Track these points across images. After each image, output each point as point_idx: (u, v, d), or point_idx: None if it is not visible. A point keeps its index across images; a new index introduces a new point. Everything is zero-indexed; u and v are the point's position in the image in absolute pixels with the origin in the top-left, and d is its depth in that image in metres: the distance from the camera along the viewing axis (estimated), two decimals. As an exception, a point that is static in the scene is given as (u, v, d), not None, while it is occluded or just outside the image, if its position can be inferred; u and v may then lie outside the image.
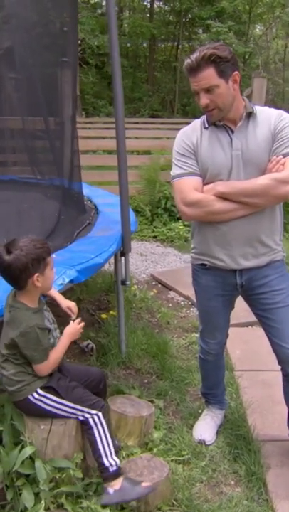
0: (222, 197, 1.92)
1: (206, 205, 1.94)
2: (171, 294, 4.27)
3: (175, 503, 1.97)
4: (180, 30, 15.78)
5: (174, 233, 5.92)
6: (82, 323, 1.97)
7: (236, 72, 1.83)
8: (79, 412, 1.87)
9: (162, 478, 1.93)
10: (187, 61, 1.81)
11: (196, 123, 2.03)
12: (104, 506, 1.83)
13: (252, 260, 2.00)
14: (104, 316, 3.57)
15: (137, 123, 11.06)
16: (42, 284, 1.81)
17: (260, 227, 1.97)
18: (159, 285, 4.48)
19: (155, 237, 5.99)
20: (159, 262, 5.12)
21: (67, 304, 2.03)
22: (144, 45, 16.73)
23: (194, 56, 1.78)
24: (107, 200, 3.73)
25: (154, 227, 6.12)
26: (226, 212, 1.93)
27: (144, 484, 1.85)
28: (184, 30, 16.10)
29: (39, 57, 4.50)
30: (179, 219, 6.27)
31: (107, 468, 1.86)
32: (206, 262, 2.09)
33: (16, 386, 1.83)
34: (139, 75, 17.12)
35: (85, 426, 1.90)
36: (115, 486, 1.85)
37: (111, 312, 3.63)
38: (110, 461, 1.86)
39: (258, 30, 14.42)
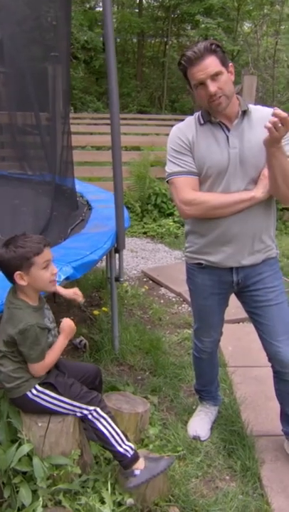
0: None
1: (205, 201, 1.94)
2: (163, 290, 4.28)
3: (172, 498, 1.98)
4: (169, 25, 15.73)
5: (164, 229, 5.93)
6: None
7: (231, 64, 1.87)
8: (77, 409, 1.87)
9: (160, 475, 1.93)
10: (189, 53, 1.80)
11: (190, 120, 2.02)
12: (103, 502, 1.84)
13: (249, 258, 2.02)
14: (96, 312, 3.57)
15: (125, 119, 11.02)
16: (29, 283, 1.78)
17: (258, 223, 1.98)
18: (150, 281, 4.49)
19: (145, 233, 5.99)
20: (149, 259, 5.13)
21: (72, 291, 2.04)
22: (134, 40, 16.63)
23: (196, 47, 1.80)
24: (99, 197, 3.72)
25: (144, 223, 6.13)
26: (226, 207, 1.93)
27: (165, 457, 1.92)
28: (172, 26, 16.05)
29: (30, 52, 4.45)
30: (169, 215, 6.28)
31: (124, 455, 1.87)
32: (202, 261, 2.09)
33: (15, 382, 1.82)
34: (128, 70, 17.03)
35: (87, 422, 1.90)
36: (139, 466, 1.88)
37: (103, 308, 3.63)
38: (125, 447, 1.87)
39: (246, 27, 14.44)
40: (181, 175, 1.98)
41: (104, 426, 1.87)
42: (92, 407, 1.88)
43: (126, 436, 1.91)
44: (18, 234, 1.82)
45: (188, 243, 2.16)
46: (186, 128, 1.99)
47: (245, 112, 1.92)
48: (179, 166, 1.98)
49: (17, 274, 1.77)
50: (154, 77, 16.88)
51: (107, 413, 1.90)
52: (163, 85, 15.97)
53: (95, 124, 10.43)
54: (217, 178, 1.95)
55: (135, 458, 1.89)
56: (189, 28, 15.96)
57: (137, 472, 1.87)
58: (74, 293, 2.06)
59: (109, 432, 1.87)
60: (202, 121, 1.96)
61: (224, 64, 1.83)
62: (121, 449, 1.87)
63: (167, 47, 16.54)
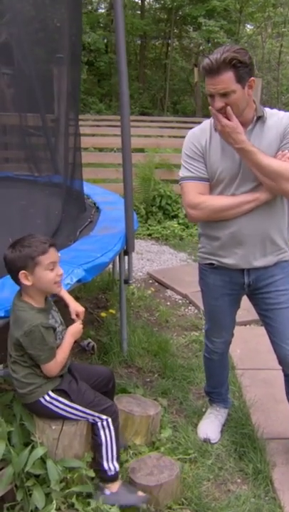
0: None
1: (208, 204, 1.97)
2: (169, 292, 4.28)
3: (185, 501, 1.98)
4: (171, 27, 15.76)
5: (168, 231, 5.93)
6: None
7: (252, 78, 1.82)
8: (90, 416, 1.87)
9: (172, 477, 1.93)
10: (206, 61, 1.77)
11: (206, 124, 2.03)
12: (111, 505, 1.83)
13: (261, 260, 2.02)
14: (103, 314, 3.56)
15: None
16: (35, 283, 1.78)
17: (270, 225, 1.98)
18: (156, 283, 4.49)
19: (150, 235, 5.99)
20: (155, 261, 5.13)
21: (76, 309, 2.00)
22: (138, 42, 16.66)
23: (214, 57, 1.74)
24: (106, 199, 3.72)
25: (149, 225, 6.13)
26: (231, 209, 1.95)
27: (139, 493, 1.88)
28: (174, 28, 16.09)
29: (37, 53, 4.46)
30: (173, 217, 6.28)
31: (105, 471, 1.88)
32: (214, 262, 2.10)
33: (27, 389, 1.81)
34: (130, 72, 16.99)
35: (93, 427, 1.90)
36: (112, 488, 1.88)
37: (110, 310, 3.62)
38: (110, 465, 1.88)
39: (248, 29, 14.48)
40: (190, 180, 2.01)
41: (105, 437, 1.87)
42: (105, 417, 1.88)
43: (118, 456, 1.91)
44: (12, 238, 1.82)
45: (201, 244, 2.18)
46: (200, 133, 2.01)
47: (260, 118, 1.92)
48: (190, 171, 2.01)
49: (22, 274, 1.76)
50: (156, 79, 16.92)
51: (115, 426, 1.90)
52: (165, 87, 16.00)
53: (98, 126, 10.45)
54: (229, 182, 1.97)
55: (113, 479, 1.89)
56: (192, 29, 15.98)
57: (107, 492, 1.87)
58: (76, 311, 2.00)
59: (106, 446, 1.87)
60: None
61: (241, 80, 1.78)
62: (106, 465, 1.88)
63: (169, 49, 16.57)
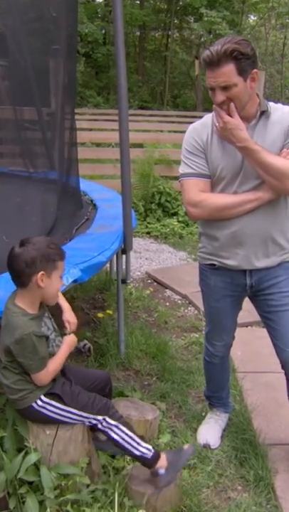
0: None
1: (209, 203, 1.96)
2: (168, 292, 4.28)
3: (184, 509, 1.97)
4: (171, 18, 15.72)
5: (168, 229, 5.92)
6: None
7: (255, 70, 1.79)
8: (85, 419, 1.86)
9: (171, 484, 1.92)
10: (206, 53, 1.76)
11: (207, 118, 2.01)
12: None
13: (263, 260, 2.01)
14: (100, 315, 3.55)
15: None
16: (45, 287, 1.76)
17: (273, 225, 1.97)
18: (155, 283, 4.48)
19: (149, 233, 5.98)
20: (153, 260, 5.12)
21: (69, 318, 1.99)
22: (138, 33, 16.61)
23: (215, 49, 1.72)
24: (104, 196, 3.71)
25: (148, 223, 6.11)
26: (232, 208, 1.94)
27: (185, 447, 1.98)
28: (175, 18, 16.05)
29: (29, 45, 4.44)
30: (173, 215, 6.27)
31: (142, 457, 1.90)
32: (215, 262, 2.09)
33: (18, 394, 1.80)
34: (128, 64, 16.96)
35: (100, 432, 1.91)
36: (163, 465, 1.91)
37: (107, 311, 3.62)
38: (141, 449, 1.89)
39: (251, 20, 14.44)
40: (191, 177, 1.99)
41: (116, 434, 1.87)
42: (100, 417, 1.87)
43: (141, 437, 1.92)
44: (32, 236, 1.81)
45: (201, 243, 2.16)
46: (201, 128, 1.99)
47: (263, 113, 1.90)
48: (190, 168, 1.99)
49: (41, 275, 1.74)
50: (156, 72, 16.88)
51: (117, 419, 1.89)
52: (165, 80, 15.97)
53: (95, 120, 10.42)
54: (231, 180, 1.95)
55: (156, 457, 1.91)
56: (192, 20, 15.94)
57: (162, 471, 1.90)
58: (67, 320, 1.99)
59: (123, 439, 1.87)
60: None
61: (242, 73, 1.76)
62: (138, 453, 1.89)
63: (170, 40, 16.54)
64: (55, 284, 1.80)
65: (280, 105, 1.98)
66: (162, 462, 1.91)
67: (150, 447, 1.91)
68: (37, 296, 1.79)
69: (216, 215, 1.97)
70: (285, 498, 2.06)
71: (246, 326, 3.56)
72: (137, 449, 1.88)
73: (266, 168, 1.85)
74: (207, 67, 1.78)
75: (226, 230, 1.99)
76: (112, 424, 1.87)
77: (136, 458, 1.91)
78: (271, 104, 1.95)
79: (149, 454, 1.89)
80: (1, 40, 4.34)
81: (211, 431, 2.42)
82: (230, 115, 1.83)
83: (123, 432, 1.87)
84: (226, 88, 1.78)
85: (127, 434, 1.87)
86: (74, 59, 3.48)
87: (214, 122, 1.95)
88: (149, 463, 1.90)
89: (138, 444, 1.88)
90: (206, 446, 2.34)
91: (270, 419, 2.55)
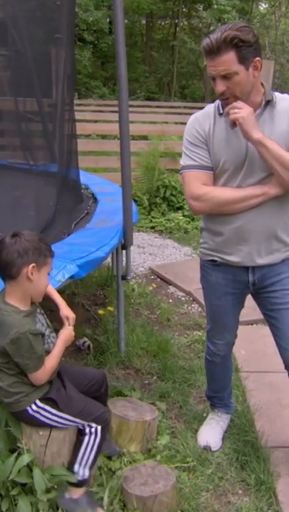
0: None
1: (213, 196, 1.92)
2: (171, 288, 4.25)
3: (181, 513, 1.95)
4: (179, 6, 15.57)
5: (173, 224, 5.89)
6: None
7: (258, 58, 1.75)
8: (79, 424, 1.85)
9: (168, 487, 1.91)
10: (206, 41, 1.71)
11: (209, 108, 1.97)
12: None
13: (266, 257, 1.97)
14: (101, 312, 3.54)
15: (132, 106, 10.97)
16: (34, 281, 1.74)
17: (278, 222, 1.94)
18: (158, 279, 4.45)
19: (153, 227, 5.95)
20: (157, 255, 5.09)
21: (67, 313, 1.97)
22: (143, 22, 16.50)
23: (214, 37, 1.69)
24: (105, 189, 3.68)
25: (152, 217, 6.08)
26: (236, 203, 1.90)
27: (99, 510, 1.87)
28: (183, 6, 15.90)
29: (31, 33, 4.40)
30: (178, 209, 6.23)
31: (76, 473, 1.86)
32: (216, 259, 2.06)
33: (13, 398, 1.78)
34: (135, 54, 16.92)
35: (81, 431, 1.89)
36: (73, 494, 1.86)
37: (108, 308, 3.60)
38: (81, 470, 1.86)
39: (262, 7, 14.28)
40: (193, 169, 1.95)
41: (88, 443, 1.86)
42: (94, 425, 1.86)
43: (93, 465, 1.89)
44: (25, 230, 1.79)
45: (203, 239, 2.13)
46: (203, 118, 1.95)
47: (269, 102, 1.85)
48: (192, 160, 1.95)
49: (32, 267, 1.71)
50: (164, 62, 16.76)
51: (103, 435, 1.88)
52: (173, 70, 15.86)
53: (101, 111, 10.38)
54: (234, 172, 1.91)
55: (79, 485, 1.87)
56: (201, 8, 15.80)
57: (66, 496, 1.86)
58: (66, 316, 1.97)
59: (85, 451, 1.86)
60: (221, 111, 1.90)
61: (244, 61, 1.72)
62: (78, 469, 1.86)
63: (178, 29, 16.40)
64: (42, 280, 1.77)
65: (286, 95, 1.93)
66: (76, 492, 1.87)
67: (87, 477, 1.87)
68: (26, 290, 1.76)
69: (219, 209, 1.94)
70: (287, 503, 2.03)
71: (251, 324, 3.53)
72: (81, 467, 1.86)
73: (284, 163, 1.80)
74: (207, 55, 1.74)
75: (229, 225, 1.96)
76: (96, 435, 1.86)
77: (71, 468, 1.87)
78: (277, 94, 1.91)
79: (80, 479, 1.86)
80: (2, 28, 4.31)
81: (211, 432, 2.39)
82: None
83: (94, 447, 1.86)
84: (226, 77, 1.74)
85: (92, 451, 1.86)
86: (74, 48, 3.44)
87: (217, 111, 1.91)
88: (71, 482, 1.86)
89: (86, 465, 1.86)
90: (207, 448, 2.32)
91: (274, 420, 2.52)
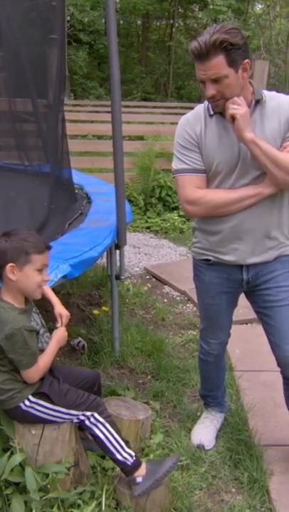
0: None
1: (207, 200, 1.92)
2: (166, 288, 4.26)
3: (174, 511, 1.96)
4: (175, 7, 15.60)
5: (168, 224, 5.89)
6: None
7: (247, 60, 1.75)
8: (74, 417, 1.85)
9: (161, 486, 1.91)
10: (194, 44, 1.71)
11: (199, 109, 1.96)
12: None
13: (261, 255, 1.98)
14: (96, 311, 3.54)
15: (128, 106, 10.99)
16: (18, 280, 1.74)
17: (271, 220, 1.94)
18: (154, 279, 4.46)
19: (148, 228, 5.95)
20: (153, 255, 5.10)
21: (61, 311, 1.98)
22: (139, 22, 16.53)
23: (203, 40, 1.68)
24: (100, 189, 3.68)
25: (148, 217, 6.09)
26: (231, 205, 1.90)
27: (167, 460, 1.91)
28: (179, 7, 15.92)
29: (26, 34, 4.40)
30: (174, 209, 6.25)
31: (123, 463, 1.87)
32: (210, 258, 2.06)
33: (6, 395, 1.79)
34: (131, 55, 16.96)
35: (85, 429, 1.89)
36: (141, 473, 1.87)
37: (103, 308, 3.60)
38: (124, 455, 1.86)
39: (258, 8, 14.31)
40: (186, 173, 1.95)
41: (101, 432, 1.85)
42: (89, 413, 1.86)
43: (126, 442, 1.90)
44: (20, 228, 1.80)
45: (196, 238, 2.13)
46: (194, 120, 1.94)
47: (258, 102, 1.86)
48: (185, 163, 1.95)
49: (9, 266, 1.73)
50: (160, 62, 16.78)
51: (105, 418, 1.88)
52: (169, 71, 15.88)
53: (97, 112, 10.39)
54: (227, 174, 1.91)
55: (136, 465, 1.88)
56: (197, 9, 15.82)
57: (139, 480, 1.86)
58: (60, 314, 1.97)
59: (107, 439, 1.85)
60: (211, 112, 1.90)
61: (233, 64, 1.72)
62: (120, 457, 1.86)
63: (174, 30, 16.43)
64: (30, 277, 1.76)
65: (274, 93, 1.94)
66: (141, 471, 1.87)
67: (133, 454, 1.88)
68: (14, 289, 1.77)
69: (215, 212, 1.94)
70: (279, 501, 2.04)
71: (246, 323, 3.54)
72: (120, 453, 1.85)
73: (277, 162, 1.81)
74: (196, 59, 1.73)
75: (224, 224, 1.96)
76: (99, 421, 1.85)
77: (116, 462, 1.88)
78: (266, 92, 1.91)
79: (130, 461, 1.86)
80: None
81: (205, 431, 2.40)
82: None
83: (109, 431, 1.85)
84: (216, 81, 1.74)
85: (112, 435, 1.85)
86: (64, 48, 3.45)
87: (207, 112, 1.92)
88: (128, 470, 1.87)
89: (122, 447, 1.86)
90: (200, 447, 2.33)
91: (267, 419, 2.53)
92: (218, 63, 1.70)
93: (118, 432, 1.89)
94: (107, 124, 8.30)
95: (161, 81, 16.61)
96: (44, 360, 1.82)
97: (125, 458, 1.86)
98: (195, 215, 2.04)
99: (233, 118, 1.78)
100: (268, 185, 1.88)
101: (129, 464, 1.86)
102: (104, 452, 1.90)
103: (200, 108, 1.97)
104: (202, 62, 1.72)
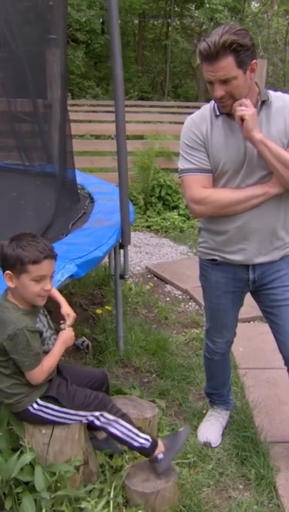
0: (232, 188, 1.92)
1: (214, 200, 1.93)
2: (168, 287, 4.27)
3: (183, 509, 1.97)
4: (171, 6, 15.60)
5: (168, 223, 5.91)
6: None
7: (255, 61, 1.76)
8: (82, 418, 1.86)
9: (170, 483, 1.93)
10: (203, 45, 1.70)
11: (205, 110, 1.97)
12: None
13: (267, 255, 1.99)
14: (99, 311, 3.55)
15: (126, 105, 11.00)
16: (16, 287, 1.74)
17: (276, 219, 1.96)
18: (155, 278, 4.47)
19: (149, 227, 5.97)
20: (154, 254, 5.11)
21: (68, 311, 1.98)
22: (135, 21, 16.53)
23: (212, 41, 1.68)
24: (102, 189, 3.69)
25: (148, 216, 6.11)
26: (238, 204, 1.91)
27: (180, 429, 2.04)
28: (175, 6, 15.93)
29: (26, 34, 4.41)
30: (174, 208, 6.26)
31: (141, 448, 1.94)
32: (216, 258, 2.07)
33: (14, 399, 1.79)
34: (128, 54, 16.94)
35: (97, 428, 1.91)
36: (160, 450, 1.97)
37: (106, 307, 3.61)
38: (140, 440, 1.93)
39: (254, 7, 14.32)
40: (192, 172, 1.96)
41: (116, 428, 1.90)
42: (98, 413, 1.87)
43: (139, 428, 1.96)
44: (26, 232, 1.79)
45: (202, 238, 2.14)
46: (200, 120, 1.95)
47: (264, 102, 1.87)
48: (191, 163, 1.96)
49: (6, 274, 1.73)
50: (156, 61, 16.82)
51: (115, 413, 1.90)
52: (165, 70, 15.90)
53: (94, 112, 10.40)
54: (233, 174, 1.92)
55: (154, 446, 1.96)
56: (193, 8, 15.83)
57: (160, 456, 1.96)
58: (67, 314, 1.98)
59: (122, 433, 1.90)
60: (217, 113, 1.91)
61: (242, 65, 1.72)
62: (137, 444, 1.93)
63: (170, 29, 16.43)
64: (27, 287, 1.73)
65: (279, 93, 1.95)
66: (160, 448, 1.97)
67: (148, 437, 1.95)
68: (17, 293, 1.77)
69: (221, 211, 1.95)
70: (287, 497, 2.06)
71: (249, 322, 3.56)
72: (136, 441, 1.92)
73: (285, 162, 1.82)
74: (204, 60, 1.73)
75: (230, 224, 1.97)
76: (110, 420, 1.88)
77: (135, 449, 1.96)
78: (271, 92, 1.92)
79: (148, 444, 1.94)
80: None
81: (211, 429, 2.41)
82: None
83: (122, 425, 1.89)
84: (225, 82, 1.75)
85: (126, 428, 1.90)
86: (65, 48, 3.45)
87: (213, 112, 1.92)
88: (147, 452, 1.95)
89: (137, 435, 1.92)
90: (207, 445, 2.34)
91: (272, 416, 2.55)
92: (228, 64, 1.71)
93: (130, 421, 1.94)
94: (105, 123, 8.31)
95: (157, 80, 16.63)
96: (49, 362, 1.81)
97: (142, 444, 1.93)
98: (201, 215, 2.04)
99: (241, 119, 1.79)
100: (275, 184, 1.89)
101: (147, 446, 1.94)
102: (122, 443, 1.96)
103: (206, 108, 1.97)
104: (211, 64, 1.72)
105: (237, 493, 2.11)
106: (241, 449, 2.31)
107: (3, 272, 1.75)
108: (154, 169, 6.19)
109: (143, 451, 1.95)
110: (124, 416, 1.93)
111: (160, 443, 1.98)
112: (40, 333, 1.82)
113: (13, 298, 1.79)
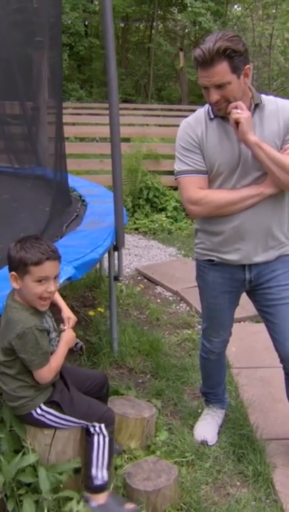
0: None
1: (210, 200, 1.97)
2: (159, 289, 4.30)
3: (183, 506, 2.00)
4: (154, 9, 15.69)
5: (156, 225, 5.95)
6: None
7: (248, 66, 1.82)
8: (84, 425, 1.88)
9: (170, 481, 1.95)
10: (198, 52, 1.76)
11: (200, 113, 2.02)
12: None
13: (263, 255, 2.04)
14: (91, 313, 3.57)
15: (108, 108, 11.01)
16: (21, 289, 1.76)
17: (272, 219, 2.00)
18: (145, 280, 4.50)
19: (137, 229, 6.00)
20: (143, 256, 5.14)
21: (69, 315, 2.01)
22: (119, 25, 16.55)
23: (206, 47, 1.73)
24: (93, 191, 3.71)
25: (136, 218, 6.14)
26: (233, 204, 1.96)
27: (128, 505, 1.86)
28: (158, 9, 16.02)
29: (14, 37, 4.41)
30: (161, 210, 6.31)
31: (92, 479, 1.86)
32: (213, 258, 2.11)
33: (18, 402, 1.80)
34: (111, 56, 16.94)
35: (87, 430, 1.91)
36: (99, 500, 1.85)
37: (98, 309, 3.63)
38: (99, 473, 1.85)
39: (236, 10, 14.49)
40: (188, 174, 2.00)
41: (98, 442, 1.86)
42: (98, 424, 1.88)
43: (109, 465, 1.89)
44: (31, 235, 1.82)
45: (198, 239, 2.18)
46: (195, 123, 2.00)
47: (257, 106, 1.92)
48: (187, 165, 2.00)
49: (12, 275, 1.75)
50: (140, 64, 16.86)
51: (109, 432, 1.89)
52: (149, 72, 15.95)
53: (78, 114, 10.38)
54: (228, 175, 1.97)
55: (101, 489, 1.86)
56: (176, 11, 15.94)
57: (94, 504, 1.84)
58: (68, 317, 2.00)
59: (97, 452, 1.86)
60: (212, 116, 1.96)
61: (236, 70, 1.78)
62: (94, 472, 1.85)
63: (153, 32, 16.51)
64: (29, 288, 1.75)
65: (272, 97, 2.01)
66: (101, 498, 1.85)
67: (106, 479, 1.86)
68: (22, 295, 1.79)
69: (217, 212, 1.99)
70: (284, 493, 2.10)
71: (239, 322, 3.60)
72: (98, 469, 1.85)
73: (279, 164, 1.87)
74: (199, 66, 1.79)
75: (226, 225, 2.01)
76: (102, 433, 1.87)
77: (87, 475, 1.86)
78: (264, 96, 1.98)
79: (100, 483, 1.85)
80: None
81: (208, 427, 2.45)
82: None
83: (105, 446, 1.86)
84: (220, 87, 1.80)
85: (104, 451, 1.86)
86: (58, 51, 3.46)
87: (207, 115, 1.97)
88: (92, 488, 1.86)
89: (102, 467, 1.85)
90: (204, 443, 2.37)
91: (267, 414, 2.60)
92: (222, 70, 1.76)
93: (111, 453, 1.90)
94: (90, 126, 8.30)
95: (141, 83, 16.67)
96: (56, 361, 1.84)
97: (97, 476, 1.84)
98: (198, 215, 2.08)
99: (236, 122, 1.84)
100: (269, 185, 1.94)
101: (96, 484, 1.85)
102: (86, 459, 1.88)
103: (200, 112, 2.02)
104: (206, 69, 1.78)
105: (235, 490, 2.14)
106: (238, 447, 2.35)
107: (10, 272, 1.77)
108: (142, 171, 6.23)
109: (90, 483, 1.85)
110: (111, 443, 1.90)
111: (105, 494, 1.85)
112: (48, 332, 1.84)
113: (20, 298, 1.81)
